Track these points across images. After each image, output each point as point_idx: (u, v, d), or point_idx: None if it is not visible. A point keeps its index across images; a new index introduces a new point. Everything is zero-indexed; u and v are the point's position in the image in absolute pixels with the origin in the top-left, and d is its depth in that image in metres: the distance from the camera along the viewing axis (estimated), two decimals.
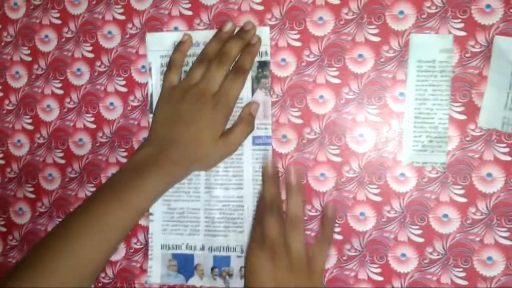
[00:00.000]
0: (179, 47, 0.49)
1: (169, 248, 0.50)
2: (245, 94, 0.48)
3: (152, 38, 0.50)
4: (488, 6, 0.44)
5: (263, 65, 0.48)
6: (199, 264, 0.50)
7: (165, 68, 0.49)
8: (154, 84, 0.50)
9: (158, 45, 0.50)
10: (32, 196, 0.54)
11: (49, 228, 0.53)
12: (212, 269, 0.50)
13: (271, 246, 0.43)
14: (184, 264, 0.50)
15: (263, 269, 0.43)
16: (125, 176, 0.43)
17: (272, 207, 0.44)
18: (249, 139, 0.49)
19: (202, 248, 0.50)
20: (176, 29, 0.50)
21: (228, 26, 0.48)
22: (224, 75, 0.46)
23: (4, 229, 0.54)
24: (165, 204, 0.50)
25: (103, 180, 0.52)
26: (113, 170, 0.52)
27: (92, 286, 0.52)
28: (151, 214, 0.51)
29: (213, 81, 0.45)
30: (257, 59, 0.48)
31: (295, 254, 0.43)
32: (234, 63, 0.47)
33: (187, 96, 0.45)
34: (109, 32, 0.51)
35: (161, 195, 0.45)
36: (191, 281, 0.50)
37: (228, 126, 0.47)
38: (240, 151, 0.49)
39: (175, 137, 0.44)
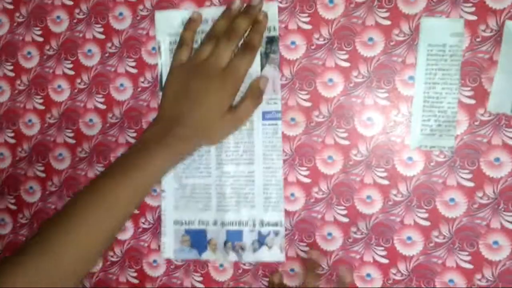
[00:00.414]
0: (189, 24, 0.49)
1: (182, 224, 0.51)
2: (254, 69, 0.48)
3: (161, 16, 0.50)
4: None
5: (272, 40, 0.48)
6: (212, 238, 0.50)
7: (174, 47, 0.49)
8: (164, 63, 0.51)
9: (167, 24, 0.50)
10: (43, 175, 0.54)
11: (59, 207, 0.54)
12: (225, 243, 0.50)
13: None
14: (197, 239, 0.51)
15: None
16: (133, 154, 0.44)
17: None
18: (259, 114, 0.49)
19: (215, 223, 0.50)
20: (186, 8, 0.50)
21: (236, 3, 0.48)
22: (233, 51, 0.46)
23: (15, 207, 0.55)
24: (177, 181, 0.51)
25: (113, 161, 0.52)
26: (122, 150, 0.52)
27: (100, 263, 0.52)
28: (163, 191, 0.51)
29: (222, 57, 0.46)
30: (265, 34, 0.48)
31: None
32: (243, 39, 0.47)
33: (195, 73, 0.46)
34: (120, 14, 0.51)
35: (169, 171, 0.46)
36: (205, 255, 0.51)
37: (237, 100, 0.48)
38: (250, 127, 0.49)
39: (183, 114, 0.45)
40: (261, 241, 0.49)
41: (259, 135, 0.49)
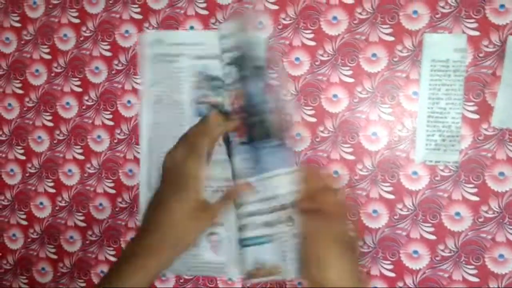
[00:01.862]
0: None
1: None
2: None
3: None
4: (502, 6, 0.45)
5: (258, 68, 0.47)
6: None
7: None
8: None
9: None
10: (52, 190, 0.55)
11: (67, 216, 0.55)
12: None
13: None
14: None
15: None
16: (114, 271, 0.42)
17: None
18: None
19: None
20: (192, 28, 0.51)
21: None
22: None
23: (25, 223, 0.56)
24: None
25: (120, 175, 0.53)
26: (129, 165, 0.53)
27: None
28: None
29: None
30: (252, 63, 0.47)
31: None
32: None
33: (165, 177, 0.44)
34: (126, 31, 0.52)
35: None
36: None
37: None
38: None
39: (152, 224, 0.43)
40: None
41: None
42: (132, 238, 0.44)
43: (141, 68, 0.51)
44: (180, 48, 0.51)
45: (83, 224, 0.54)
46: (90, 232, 0.54)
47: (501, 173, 0.45)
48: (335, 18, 0.48)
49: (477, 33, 0.45)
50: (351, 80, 0.48)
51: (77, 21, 0.53)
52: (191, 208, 0.42)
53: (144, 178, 0.52)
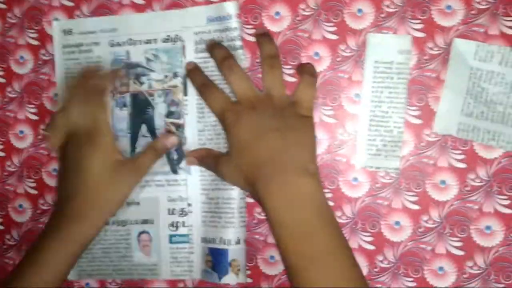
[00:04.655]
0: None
1: (207, 242, 0.46)
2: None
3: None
4: (448, 7, 0.43)
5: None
6: (234, 259, 0.45)
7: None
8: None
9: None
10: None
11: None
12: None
13: (246, 96, 0.41)
14: (218, 260, 0.45)
15: (244, 120, 0.40)
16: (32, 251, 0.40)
17: (226, 62, 0.42)
18: None
19: (238, 242, 0.45)
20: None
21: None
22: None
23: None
24: (204, 194, 0.46)
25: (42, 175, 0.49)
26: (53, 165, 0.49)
27: None
28: (189, 204, 0.47)
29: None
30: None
31: (277, 97, 0.41)
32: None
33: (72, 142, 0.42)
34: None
35: (76, 256, 0.41)
36: (225, 279, 0.45)
37: None
38: None
39: (69, 191, 0.41)
40: None
41: None
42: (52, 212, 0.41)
43: (55, 61, 0.48)
44: (92, 36, 0.47)
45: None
46: (7, 237, 0.50)
47: (443, 181, 0.43)
48: (277, 13, 0.45)
49: (422, 35, 0.43)
50: (292, 79, 0.45)
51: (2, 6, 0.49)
52: (110, 163, 0.41)
53: None
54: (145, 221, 0.47)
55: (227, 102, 0.42)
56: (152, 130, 0.46)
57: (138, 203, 0.47)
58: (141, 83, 0.46)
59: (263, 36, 0.44)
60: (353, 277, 0.36)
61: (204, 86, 0.44)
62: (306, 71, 0.44)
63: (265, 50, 0.43)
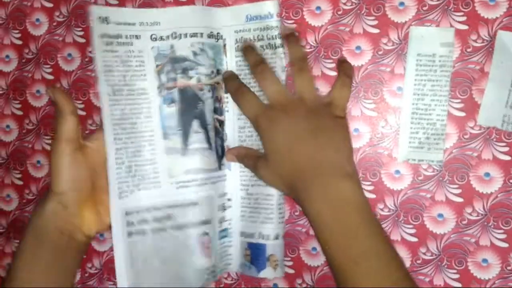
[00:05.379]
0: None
1: (246, 236, 0.47)
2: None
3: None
4: None
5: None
6: (272, 254, 0.46)
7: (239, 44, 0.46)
8: (229, 62, 0.47)
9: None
10: (20, 183, 0.53)
11: None
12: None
13: (278, 101, 0.42)
14: (256, 255, 0.46)
15: (278, 125, 0.41)
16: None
17: (258, 68, 0.43)
18: None
19: (276, 237, 0.46)
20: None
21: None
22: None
23: None
24: (244, 189, 0.47)
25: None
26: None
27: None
28: (229, 199, 0.47)
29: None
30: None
31: (308, 100, 0.41)
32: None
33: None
34: None
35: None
36: (264, 273, 0.46)
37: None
38: None
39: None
40: None
41: None
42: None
43: (93, 52, 0.43)
44: (131, 28, 0.44)
45: None
46: None
47: (487, 174, 0.43)
48: (318, 8, 0.46)
49: (465, 27, 0.43)
50: (333, 73, 0.46)
51: None
52: (71, 149, 0.40)
53: (115, 185, 0.42)
54: (204, 222, 0.45)
55: (259, 107, 0.43)
56: (204, 126, 0.45)
57: (196, 203, 0.45)
58: (190, 77, 0.45)
59: (290, 36, 0.44)
60: (398, 278, 0.37)
61: (238, 91, 0.44)
62: (343, 70, 0.44)
63: (293, 53, 0.43)
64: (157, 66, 0.44)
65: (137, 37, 0.44)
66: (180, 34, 0.45)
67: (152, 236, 0.43)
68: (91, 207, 0.41)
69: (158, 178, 0.44)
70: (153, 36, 0.44)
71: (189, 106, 0.45)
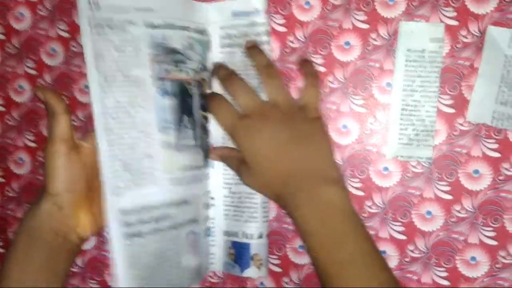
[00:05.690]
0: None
1: (230, 235, 0.46)
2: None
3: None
4: None
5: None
6: (256, 254, 0.45)
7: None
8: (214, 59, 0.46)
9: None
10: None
11: None
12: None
13: (252, 109, 0.41)
14: (240, 254, 0.46)
15: (256, 133, 0.41)
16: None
17: (228, 81, 0.43)
18: None
19: (260, 236, 0.46)
20: None
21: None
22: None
23: None
24: (227, 188, 0.46)
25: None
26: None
27: None
28: (212, 198, 0.47)
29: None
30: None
31: (283, 104, 0.41)
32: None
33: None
34: None
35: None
36: (247, 272, 0.45)
37: None
38: None
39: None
40: None
41: None
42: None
43: (82, 39, 0.38)
44: (124, 14, 0.40)
45: None
46: None
47: (476, 171, 0.43)
48: (307, 3, 0.45)
49: (455, 23, 0.43)
50: (322, 69, 0.45)
51: None
52: (65, 149, 0.39)
53: (108, 179, 0.38)
54: (192, 221, 0.44)
55: (235, 116, 0.42)
56: (192, 122, 0.44)
57: (186, 201, 0.43)
58: (180, 71, 0.43)
59: (252, 48, 0.44)
60: (384, 280, 0.37)
61: (212, 99, 0.44)
62: (308, 72, 0.44)
63: (258, 61, 0.43)
64: (151, 55, 0.41)
65: (131, 23, 0.40)
66: (172, 25, 0.42)
67: (150, 237, 0.41)
68: (87, 208, 0.40)
69: (154, 173, 0.41)
70: (147, 23, 0.41)
71: (181, 100, 0.43)
